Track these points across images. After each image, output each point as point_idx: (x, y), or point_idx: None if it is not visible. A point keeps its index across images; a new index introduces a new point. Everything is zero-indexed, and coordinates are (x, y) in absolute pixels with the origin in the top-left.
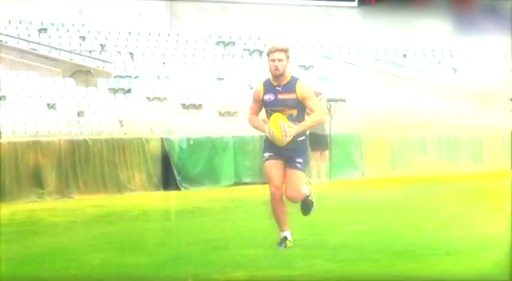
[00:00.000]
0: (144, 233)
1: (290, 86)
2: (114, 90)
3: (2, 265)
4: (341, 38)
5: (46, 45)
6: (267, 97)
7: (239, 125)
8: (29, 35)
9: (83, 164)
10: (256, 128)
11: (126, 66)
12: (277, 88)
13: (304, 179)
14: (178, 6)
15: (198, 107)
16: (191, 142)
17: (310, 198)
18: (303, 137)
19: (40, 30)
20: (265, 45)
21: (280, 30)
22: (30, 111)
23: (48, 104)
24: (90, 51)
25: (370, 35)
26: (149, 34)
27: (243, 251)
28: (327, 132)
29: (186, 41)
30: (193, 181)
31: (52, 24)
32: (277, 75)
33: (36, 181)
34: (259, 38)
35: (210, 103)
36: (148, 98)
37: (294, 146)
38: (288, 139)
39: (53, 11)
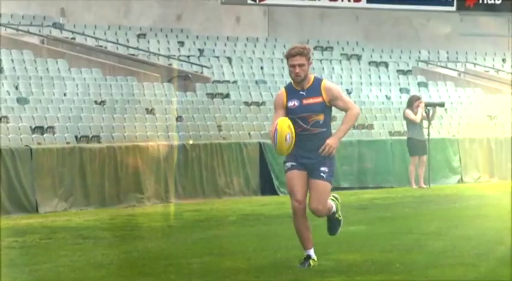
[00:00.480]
0: (242, 238)
1: (315, 89)
2: (213, 95)
3: (102, 269)
4: (439, 43)
5: (145, 51)
6: (291, 104)
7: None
8: (128, 40)
9: (181, 169)
10: None
11: (225, 71)
12: (301, 93)
13: (329, 190)
14: (276, 12)
15: None
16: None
17: (336, 216)
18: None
19: (139, 36)
20: (363, 50)
21: (378, 35)
22: (129, 116)
23: (146, 109)
24: (188, 57)
25: (469, 40)
26: (247, 39)
27: (341, 256)
28: (426, 137)
29: (284, 46)
30: None
31: (151, 29)
32: (299, 82)
33: (135, 186)
34: (357, 43)
35: None
36: (246, 102)
37: (317, 154)
38: (332, 150)
39: (151, 16)
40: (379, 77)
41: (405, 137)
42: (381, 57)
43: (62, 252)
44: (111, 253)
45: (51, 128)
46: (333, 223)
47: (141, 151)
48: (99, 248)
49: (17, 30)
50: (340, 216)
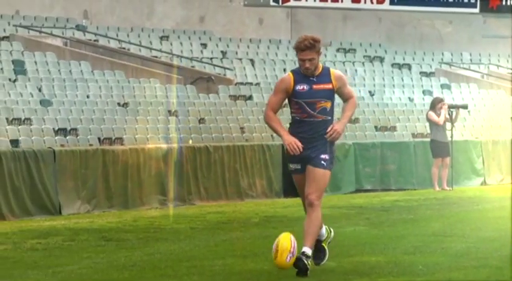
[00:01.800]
0: (265, 240)
1: (324, 75)
2: (235, 97)
3: (125, 271)
4: (462, 45)
5: (168, 53)
6: (299, 87)
7: (360, 131)
8: (151, 42)
9: (204, 171)
10: (272, 129)
11: (247, 73)
12: (312, 79)
13: (328, 179)
14: (299, 14)
15: None
16: None
17: (323, 244)
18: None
19: (162, 38)
20: (386, 51)
21: (401, 37)
22: (151, 118)
23: (169, 111)
24: (211, 59)
25: (492, 41)
26: (270, 41)
27: (363, 258)
28: (449, 139)
29: None
30: None
31: (174, 31)
32: (309, 75)
33: (158, 188)
34: (379, 45)
35: None
36: None
37: (316, 146)
38: (338, 135)
39: (174, 18)
40: (402, 79)
41: (428, 139)
42: (403, 59)
43: (84, 254)
44: (134, 255)
45: (74, 130)
46: (318, 251)
47: (163, 153)
48: (122, 250)
49: (40, 32)
50: (326, 247)
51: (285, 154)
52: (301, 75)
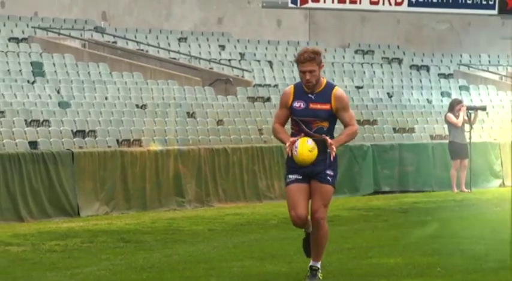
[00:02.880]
0: (283, 242)
1: (325, 94)
2: (253, 99)
3: (143, 273)
4: (481, 46)
5: (186, 54)
6: (296, 104)
7: (378, 133)
8: (169, 44)
9: (222, 172)
10: (278, 139)
11: (266, 75)
12: (310, 96)
13: (332, 195)
14: (317, 15)
15: None
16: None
17: (319, 275)
18: (329, 150)
19: (180, 40)
20: (404, 53)
21: (419, 38)
22: (170, 120)
23: (188, 113)
24: (229, 60)
25: (510, 43)
26: (288, 43)
27: (382, 260)
28: (467, 141)
29: (325, 50)
30: None
31: (192, 33)
32: (310, 88)
33: (177, 190)
34: (398, 47)
35: None
36: None
37: (319, 162)
38: (333, 149)
39: (192, 20)
40: (421, 81)
41: (446, 141)
42: (422, 60)
43: (103, 256)
44: (152, 256)
45: (92, 132)
46: (313, 278)
47: (182, 154)
48: (140, 251)
49: (59, 34)
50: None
51: None
52: (301, 90)
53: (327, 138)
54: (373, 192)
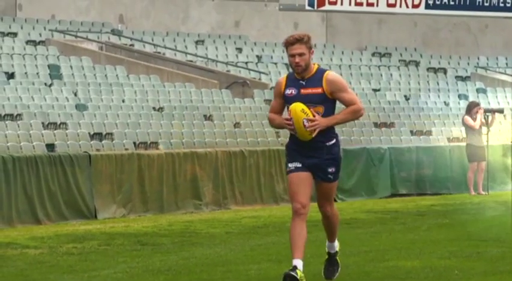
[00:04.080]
0: None
1: (315, 79)
2: (270, 102)
3: (160, 275)
4: (498, 49)
5: (203, 57)
6: (288, 91)
7: (396, 136)
8: (186, 46)
9: (239, 175)
10: (275, 126)
11: None
12: (301, 82)
13: (336, 189)
14: (334, 18)
15: None
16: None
17: (337, 257)
18: (333, 141)
19: (197, 42)
20: (421, 56)
21: (436, 41)
22: (187, 122)
23: (205, 116)
24: (246, 63)
25: None
26: None
27: (399, 262)
28: (484, 143)
29: (342, 52)
30: (349, 192)
31: (209, 36)
32: (299, 72)
33: (194, 192)
34: (415, 49)
35: (365, 114)
36: None
37: (322, 153)
38: (314, 134)
39: (209, 23)
40: (438, 83)
41: (464, 144)
42: (439, 63)
43: (120, 258)
44: (169, 259)
45: (109, 135)
46: (331, 263)
47: (199, 157)
48: (157, 254)
49: (76, 36)
50: (338, 260)
51: None
52: (292, 78)
53: (317, 116)
54: (390, 195)
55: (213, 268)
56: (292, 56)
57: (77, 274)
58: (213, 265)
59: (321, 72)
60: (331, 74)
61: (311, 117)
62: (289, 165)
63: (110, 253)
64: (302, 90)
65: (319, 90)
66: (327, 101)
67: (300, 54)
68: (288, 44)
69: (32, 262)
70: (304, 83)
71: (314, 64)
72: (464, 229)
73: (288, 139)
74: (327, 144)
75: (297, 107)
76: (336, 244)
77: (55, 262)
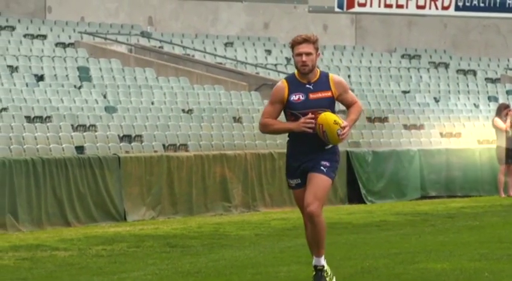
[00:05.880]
0: (330, 247)
1: (322, 82)
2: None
3: (190, 277)
4: None
5: (232, 59)
6: (294, 97)
7: (425, 138)
8: (215, 49)
9: (268, 177)
10: (276, 131)
11: None
12: (308, 86)
13: (328, 188)
14: (363, 20)
15: (383, 120)
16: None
17: (324, 274)
18: (331, 145)
19: (226, 44)
20: (451, 58)
21: (466, 43)
22: (216, 124)
23: (234, 118)
24: (275, 65)
25: None
26: (334, 47)
27: (429, 265)
28: None
29: (372, 54)
30: (378, 194)
31: (238, 38)
32: (306, 72)
33: (223, 194)
34: (444, 51)
35: (395, 116)
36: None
37: (320, 155)
38: (347, 133)
39: (239, 25)
40: (467, 85)
41: (494, 146)
42: (468, 65)
43: (149, 260)
44: (199, 261)
45: (139, 137)
46: (318, 277)
47: (228, 159)
48: (187, 256)
49: (105, 39)
50: (329, 276)
51: (350, 161)
52: (296, 82)
53: (343, 122)
54: (420, 197)
55: (243, 270)
56: (299, 55)
57: (106, 276)
58: (243, 267)
59: (324, 75)
60: (336, 76)
61: (342, 125)
62: (290, 181)
63: (139, 255)
64: (311, 95)
65: (329, 94)
66: (333, 105)
67: (307, 54)
68: (296, 43)
69: (61, 264)
70: (311, 87)
71: (317, 68)
72: (494, 231)
73: (285, 141)
74: (326, 147)
75: (329, 120)
76: (323, 260)
77: (84, 264)
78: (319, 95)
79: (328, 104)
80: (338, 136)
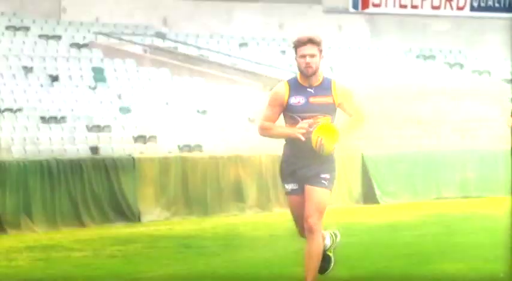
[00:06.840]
0: (345, 247)
1: (324, 87)
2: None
3: (204, 279)
4: None
5: (247, 60)
6: (294, 101)
7: (440, 138)
8: (230, 49)
9: None
10: (273, 136)
11: None
12: (309, 90)
13: (328, 200)
14: (378, 20)
15: (397, 120)
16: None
17: (328, 252)
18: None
19: (241, 45)
20: (466, 58)
21: (481, 43)
22: (231, 125)
23: (249, 118)
24: (290, 65)
25: None
26: (349, 48)
27: (443, 265)
28: None
29: (386, 55)
30: (393, 195)
31: (253, 38)
32: (309, 75)
33: (237, 195)
34: (460, 52)
35: (409, 116)
36: None
37: (317, 162)
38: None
39: (253, 25)
40: (482, 86)
41: (509, 146)
42: (484, 65)
43: (164, 261)
44: (214, 262)
45: (153, 138)
46: (323, 259)
47: (243, 160)
48: (202, 257)
49: (120, 39)
50: (332, 254)
51: (364, 162)
52: (297, 85)
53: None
54: (434, 197)
55: (257, 271)
56: (302, 56)
57: (120, 276)
58: (257, 267)
59: (327, 80)
60: (339, 84)
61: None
62: (286, 186)
63: (154, 256)
64: (311, 99)
65: (330, 99)
66: (334, 111)
67: (312, 56)
68: (300, 43)
69: (76, 265)
70: (312, 91)
71: (320, 72)
72: (509, 232)
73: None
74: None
75: (331, 135)
76: (329, 239)
77: (99, 265)
78: (320, 99)
79: (329, 110)
80: (333, 149)
